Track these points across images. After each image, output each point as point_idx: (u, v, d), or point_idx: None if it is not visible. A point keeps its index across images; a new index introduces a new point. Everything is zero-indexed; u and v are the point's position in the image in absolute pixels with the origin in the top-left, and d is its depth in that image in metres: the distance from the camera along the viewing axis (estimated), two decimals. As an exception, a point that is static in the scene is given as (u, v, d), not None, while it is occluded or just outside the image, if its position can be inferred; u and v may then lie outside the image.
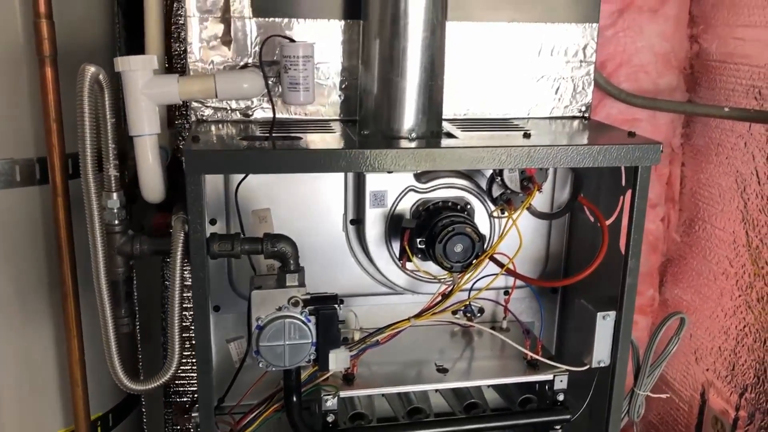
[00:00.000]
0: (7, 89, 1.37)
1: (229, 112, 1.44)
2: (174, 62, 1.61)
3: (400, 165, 1.25)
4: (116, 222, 1.27)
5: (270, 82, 1.35)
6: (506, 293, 1.67)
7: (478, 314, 1.69)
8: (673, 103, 1.74)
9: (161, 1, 1.42)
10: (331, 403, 1.43)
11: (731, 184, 1.70)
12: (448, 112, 1.54)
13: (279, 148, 1.22)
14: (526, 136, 1.36)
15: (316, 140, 1.31)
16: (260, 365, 1.33)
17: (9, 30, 1.35)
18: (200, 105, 1.43)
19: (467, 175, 1.53)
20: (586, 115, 1.60)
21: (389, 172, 1.46)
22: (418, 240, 1.44)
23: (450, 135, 1.37)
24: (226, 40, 1.39)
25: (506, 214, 1.45)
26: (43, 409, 1.56)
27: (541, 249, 1.68)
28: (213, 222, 1.52)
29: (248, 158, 1.18)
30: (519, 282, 1.61)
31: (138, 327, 1.69)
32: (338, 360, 1.35)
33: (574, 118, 1.60)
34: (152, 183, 1.28)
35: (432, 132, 1.36)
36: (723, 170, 1.73)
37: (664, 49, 1.77)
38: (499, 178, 1.43)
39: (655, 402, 2.03)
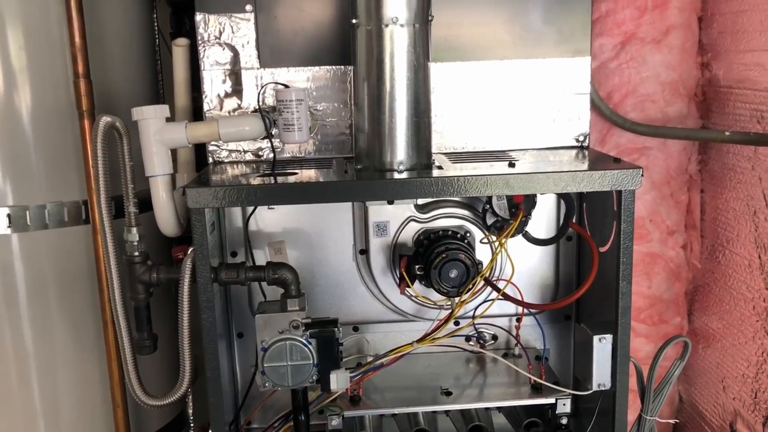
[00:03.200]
0: (56, 140, 1.56)
1: (243, 153, 1.60)
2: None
3: (382, 195, 1.35)
4: (136, 254, 1.43)
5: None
6: (518, 320, 1.72)
7: (492, 341, 1.74)
8: (676, 130, 1.76)
9: (187, 56, 1.60)
10: (336, 422, 1.51)
11: (744, 208, 1.70)
12: (447, 146, 1.64)
13: (262, 184, 1.35)
14: (511, 165, 1.43)
15: (310, 175, 1.43)
16: (266, 385, 1.43)
17: (56, 88, 1.54)
18: (216, 148, 1.59)
19: (468, 204, 1.61)
20: (585, 144, 1.65)
21: (390, 203, 1.57)
22: (416, 267, 1.52)
23: (439, 167, 1.46)
24: (237, 89, 1.55)
25: (495, 239, 1.51)
26: (92, 428, 1.71)
27: (550, 276, 1.72)
28: (234, 254, 1.66)
29: (240, 192, 1.31)
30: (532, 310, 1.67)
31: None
32: (339, 380, 1.44)
33: (572, 148, 1.65)
34: (166, 218, 1.43)
35: (421, 164, 1.45)
36: (736, 195, 1.73)
37: (671, 78, 1.79)
38: (489, 206, 1.50)
39: (691, 434, 2.00)
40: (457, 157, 1.59)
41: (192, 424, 1.78)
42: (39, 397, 1.61)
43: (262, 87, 1.53)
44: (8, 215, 1.51)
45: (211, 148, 1.59)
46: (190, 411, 1.77)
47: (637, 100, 1.80)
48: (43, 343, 1.59)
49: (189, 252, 1.37)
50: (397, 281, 1.60)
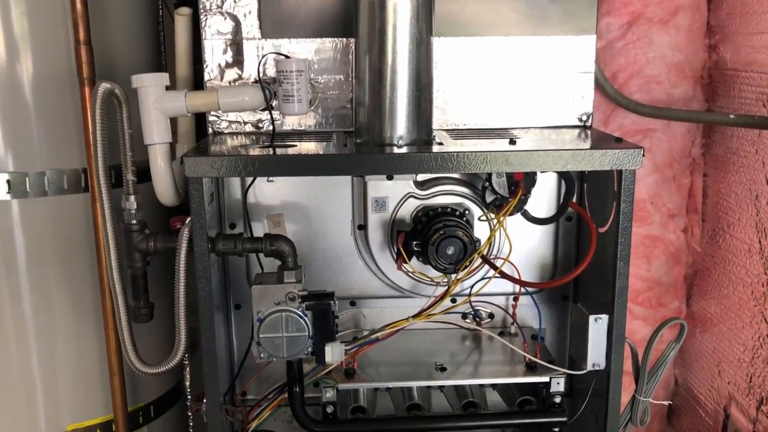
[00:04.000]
0: (56, 107, 1.55)
1: (242, 124, 1.59)
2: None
3: (381, 169, 1.35)
4: (134, 222, 1.43)
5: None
6: (515, 299, 1.72)
7: (488, 319, 1.74)
8: (681, 112, 1.74)
9: (189, 26, 1.59)
10: (330, 394, 1.52)
11: (746, 192, 1.69)
12: (448, 122, 1.63)
13: (261, 155, 1.35)
14: (512, 142, 1.42)
15: (310, 148, 1.42)
16: (262, 356, 1.44)
17: (57, 55, 1.53)
18: (216, 119, 1.58)
19: (468, 182, 1.61)
20: (588, 123, 1.64)
21: (389, 178, 1.56)
22: (414, 243, 1.52)
23: (439, 143, 1.45)
24: (238, 59, 1.54)
25: (494, 217, 1.51)
26: (90, 396, 1.72)
27: (548, 256, 1.72)
28: (233, 226, 1.66)
29: (238, 162, 1.31)
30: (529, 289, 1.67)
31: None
32: (333, 353, 1.44)
33: (575, 127, 1.64)
34: (164, 188, 1.43)
35: (422, 140, 1.45)
36: (738, 179, 1.72)
37: (677, 60, 1.77)
38: (489, 183, 1.49)
39: (686, 417, 2.00)
40: (458, 133, 1.58)
41: (189, 395, 1.79)
42: (37, 364, 1.62)
43: (262, 57, 1.52)
44: (8, 181, 1.51)
45: (210, 118, 1.58)
46: (187, 382, 1.78)
47: (643, 81, 1.78)
48: (42, 310, 1.60)
49: (186, 221, 1.37)
50: (395, 257, 1.60)
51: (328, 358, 1.44)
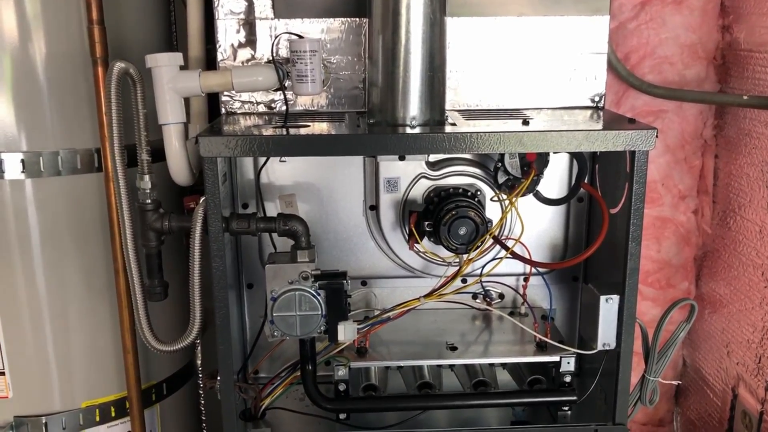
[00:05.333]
0: (69, 87, 1.55)
1: (255, 105, 1.59)
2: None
3: (393, 149, 1.35)
4: (148, 201, 1.44)
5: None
6: (526, 279, 1.73)
7: (498, 299, 1.75)
8: (693, 93, 1.74)
9: (202, 5, 1.59)
10: (342, 372, 1.54)
11: (757, 173, 1.69)
12: (461, 103, 1.62)
13: (274, 135, 1.35)
14: (525, 123, 1.43)
15: (322, 128, 1.43)
16: (275, 334, 1.45)
17: (69, 34, 1.53)
18: (229, 99, 1.59)
19: (479, 162, 1.61)
20: (600, 104, 1.63)
21: (401, 159, 1.57)
22: (426, 223, 1.53)
23: (452, 124, 1.45)
24: (251, 39, 1.54)
25: (506, 198, 1.51)
26: (103, 373, 1.74)
27: (559, 237, 1.72)
28: (245, 206, 1.67)
29: (252, 142, 1.31)
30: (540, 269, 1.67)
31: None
32: (346, 332, 1.45)
33: (587, 108, 1.64)
34: (178, 167, 1.44)
35: (434, 120, 1.45)
36: (750, 160, 1.72)
37: (691, 40, 1.77)
38: (501, 164, 1.50)
39: (694, 397, 2.01)
40: (471, 114, 1.58)
41: (201, 374, 1.81)
42: (52, 342, 1.63)
43: (276, 37, 1.52)
44: (22, 160, 1.52)
45: (224, 98, 1.59)
46: (199, 361, 1.80)
47: (655, 62, 1.77)
48: (56, 289, 1.61)
49: (201, 201, 1.38)
50: (407, 237, 1.61)
51: (340, 337, 1.45)
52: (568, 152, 1.60)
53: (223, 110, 1.59)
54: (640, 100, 1.80)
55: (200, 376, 1.82)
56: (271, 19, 1.54)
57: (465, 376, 1.65)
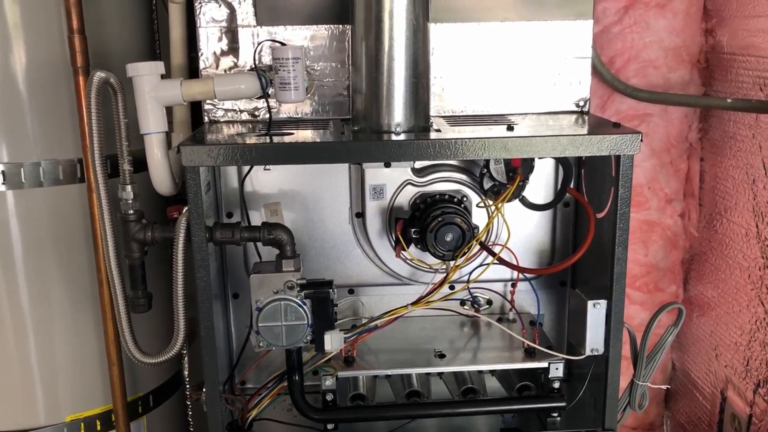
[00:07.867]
0: (50, 97, 1.54)
1: (238, 113, 1.58)
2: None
3: (378, 156, 1.35)
4: (131, 212, 1.42)
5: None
6: (513, 285, 1.72)
7: (486, 306, 1.75)
8: (678, 96, 1.74)
9: (184, 13, 1.57)
10: (330, 382, 1.52)
11: (743, 176, 1.69)
12: (446, 109, 1.62)
13: (258, 143, 1.34)
14: (510, 128, 1.42)
15: (307, 136, 1.42)
16: (261, 345, 1.44)
17: (50, 44, 1.52)
18: (212, 107, 1.57)
19: (465, 168, 1.60)
20: (585, 109, 1.63)
21: (387, 166, 1.56)
22: (412, 230, 1.52)
23: (437, 130, 1.44)
24: (233, 47, 1.53)
25: (491, 204, 1.50)
26: (88, 386, 1.72)
27: (546, 242, 1.72)
28: (230, 215, 1.66)
29: (235, 151, 1.30)
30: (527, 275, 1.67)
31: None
32: (333, 341, 1.44)
33: (572, 113, 1.63)
34: (161, 177, 1.42)
35: (419, 127, 1.44)
36: (736, 163, 1.72)
37: (675, 44, 1.77)
38: (486, 170, 1.49)
39: (683, 401, 2.01)
40: (456, 120, 1.58)
41: (187, 385, 1.79)
42: (35, 355, 1.62)
43: (258, 44, 1.51)
44: (2, 172, 1.50)
45: (206, 107, 1.57)
46: (186, 372, 1.78)
47: (640, 65, 1.78)
48: (39, 301, 1.59)
49: (183, 211, 1.37)
50: (393, 244, 1.60)
51: (327, 346, 1.44)
52: (553, 157, 1.60)
53: (206, 119, 1.58)
54: (625, 104, 1.81)
55: (187, 387, 1.80)
56: (254, 26, 1.53)
57: (454, 384, 1.64)
